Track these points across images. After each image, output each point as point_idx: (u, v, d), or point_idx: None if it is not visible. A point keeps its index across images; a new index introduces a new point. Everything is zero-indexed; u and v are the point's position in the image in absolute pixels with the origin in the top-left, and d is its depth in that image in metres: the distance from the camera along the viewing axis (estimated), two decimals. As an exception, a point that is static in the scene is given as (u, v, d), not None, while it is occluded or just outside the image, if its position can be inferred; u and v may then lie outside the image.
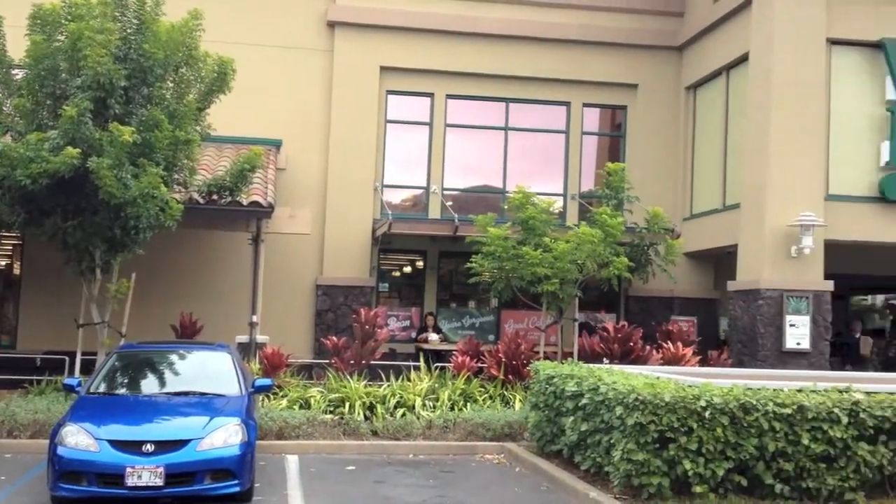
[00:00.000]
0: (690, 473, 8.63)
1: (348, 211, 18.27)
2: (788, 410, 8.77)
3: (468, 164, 19.47)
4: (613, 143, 20.12)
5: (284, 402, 13.36)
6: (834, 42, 15.96)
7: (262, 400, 13.03)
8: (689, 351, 15.37)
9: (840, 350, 18.12)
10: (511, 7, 19.18)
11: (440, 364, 15.38)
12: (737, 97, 17.37)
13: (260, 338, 15.63)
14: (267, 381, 10.88)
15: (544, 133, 19.56)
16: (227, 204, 14.52)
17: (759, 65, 16.26)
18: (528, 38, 19.02)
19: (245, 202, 15.10)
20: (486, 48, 18.95)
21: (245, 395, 10.05)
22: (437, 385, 14.16)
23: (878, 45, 15.88)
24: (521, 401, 13.69)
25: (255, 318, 15.76)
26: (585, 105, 19.59)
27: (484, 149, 19.43)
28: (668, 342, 15.72)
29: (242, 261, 16.99)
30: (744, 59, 16.88)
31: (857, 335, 17.64)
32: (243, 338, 15.63)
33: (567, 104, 19.47)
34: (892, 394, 9.18)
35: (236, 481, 8.80)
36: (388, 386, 13.94)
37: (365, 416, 13.10)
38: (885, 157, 15.77)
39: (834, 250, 15.73)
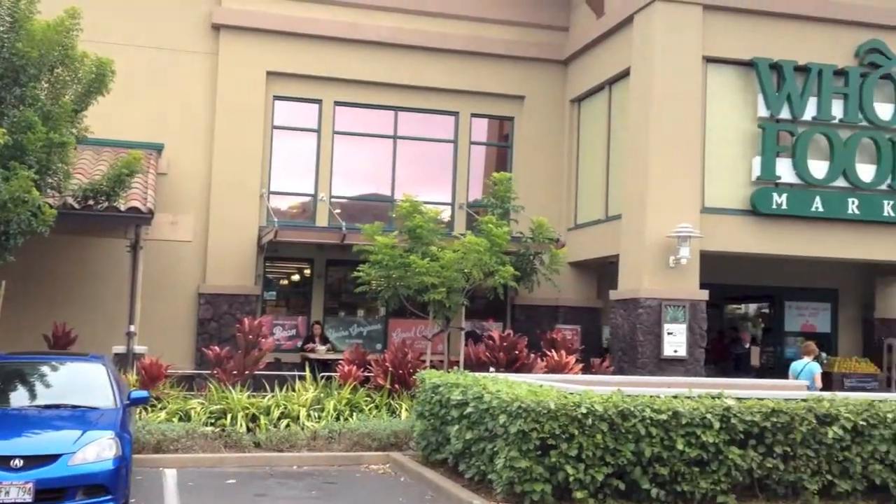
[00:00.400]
0: (571, 479, 8.77)
1: (233, 218, 17.92)
2: (664, 416, 9.01)
3: (357, 172, 19.38)
4: (501, 153, 20.37)
5: (163, 415, 12.98)
6: (710, 60, 16.57)
7: (140, 412, 12.63)
8: (572, 359, 15.65)
9: (732, 359, 18.67)
10: (400, 16, 19.21)
11: (326, 374, 15.24)
12: (619, 111, 17.84)
13: (138, 348, 15.17)
14: (143, 393, 10.55)
15: (433, 142, 19.65)
16: (103, 210, 14.06)
17: (639, 80, 16.75)
18: (417, 47, 19.09)
19: (123, 208, 14.63)
20: (375, 56, 18.92)
21: (120, 407, 9.72)
22: (322, 395, 14.01)
23: (750, 64, 16.57)
24: (407, 410, 13.68)
25: (132, 328, 15.27)
26: (474, 115, 19.78)
27: (373, 157, 19.38)
28: (553, 350, 15.97)
29: (121, 269, 16.45)
30: (625, 74, 17.35)
31: (748, 345, 18.12)
32: (120, 348, 15.14)
33: (456, 114, 19.62)
34: (761, 399, 9.54)
35: (110, 497, 8.50)
36: (273, 396, 13.71)
37: (248, 427, 12.85)
38: (757, 171, 16.45)
39: (709, 261, 16.30)
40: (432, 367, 14.62)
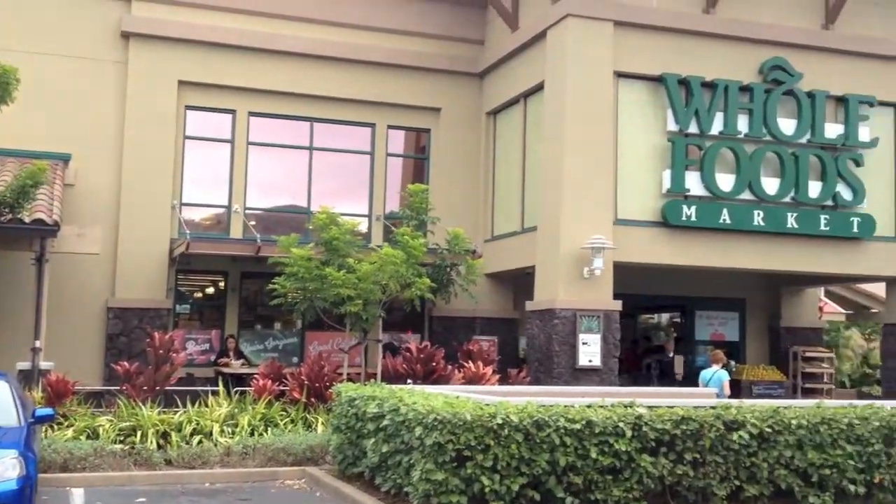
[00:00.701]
0: (487, 490, 8.79)
1: (143, 230, 17.52)
2: (578, 426, 9.11)
3: (272, 184, 19.17)
4: (418, 165, 20.41)
5: (70, 433, 12.58)
6: (621, 75, 16.91)
7: (46, 430, 12.22)
8: (489, 370, 15.71)
9: (646, 368, 18.90)
10: (316, 27, 19.10)
11: (241, 388, 14.99)
12: (534, 124, 18.06)
13: (44, 364, 14.69)
14: (48, 411, 10.22)
15: (350, 154, 19.57)
16: (7, 221, 13.60)
17: (553, 94, 16.99)
18: (332, 58, 19.00)
19: (28, 220, 14.18)
20: (290, 67, 18.76)
21: (24, 425, 9.40)
22: (236, 410, 13.79)
23: (660, 80, 16.96)
24: (323, 424, 13.55)
25: (38, 344, 14.78)
26: (390, 127, 19.78)
27: (288, 168, 19.21)
28: (470, 361, 16.01)
29: (26, 282, 15.92)
30: (540, 87, 17.58)
31: (671, 354, 18.32)
32: (25, 364, 14.64)
33: (372, 126, 19.59)
34: (671, 408, 9.71)
35: (13, 519, 8.19)
36: (185, 412, 13.43)
37: (158, 444, 12.55)
38: (667, 184, 16.82)
39: (623, 271, 16.59)
40: (349, 379, 14.51)
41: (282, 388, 14.88)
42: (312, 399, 14.43)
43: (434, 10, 19.81)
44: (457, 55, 19.91)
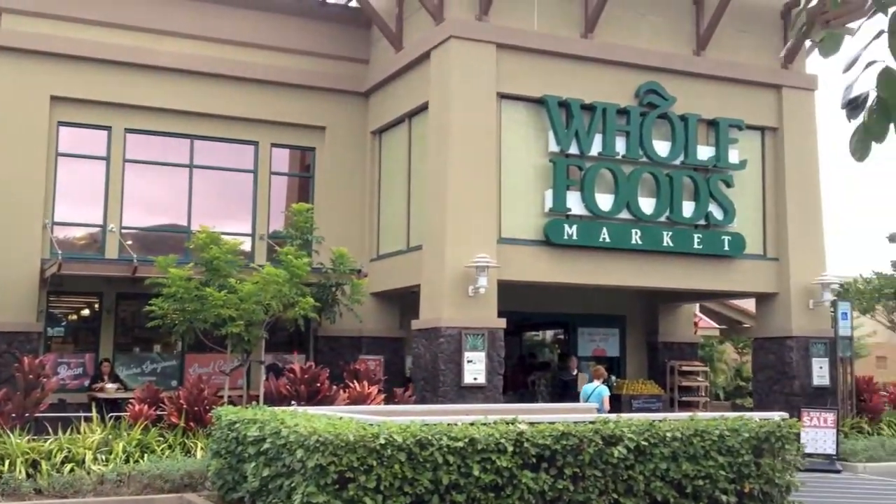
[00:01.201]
0: (370, 512, 8.71)
1: (12, 250, 16.77)
2: (461, 444, 9.13)
3: (150, 202, 18.67)
4: (303, 183, 20.22)
5: (-70, 465, 11.89)
6: (504, 96, 17.19)
7: None
8: (374, 389, 15.63)
9: (540, 385, 18.94)
10: (197, 42, 18.75)
11: (116, 414, 14.48)
12: (419, 144, 18.15)
13: None
14: None
15: (232, 172, 19.23)
16: None
17: (437, 114, 17.13)
18: (213, 74, 18.68)
19: None
20: (169, 82, 18.35)
21: None
22: (111, 436, 13.27)
23: (541, 101, 17.32)
24: (203, 449, 13.18)
25: None
26: (274, 145, 19.55)
27: (167, 186, 18.74)
28: (356, 381, 15.91)
29: None
30: (424, 107, 17.70)
31: (575, 372, 18.30)
32: None
33: (255, 143, 19.31)
34: (552, 423, 9.86)
35: None
36: (56, 440, 12.86)
37: (28, 473, 11.97)
38: (549, 203, 17.15)
39: (508, 290, 16.79)
40: (230, 402, 14.20)
41: (159, 412, 14.43)
42: (191, 423, 14.05)
43: (318, 28, 19.73)
44: (342, 74, 19.86)
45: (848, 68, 3.05)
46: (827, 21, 3.65)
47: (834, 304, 18.88)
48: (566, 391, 18.74)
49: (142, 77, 18.16)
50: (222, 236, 15.67)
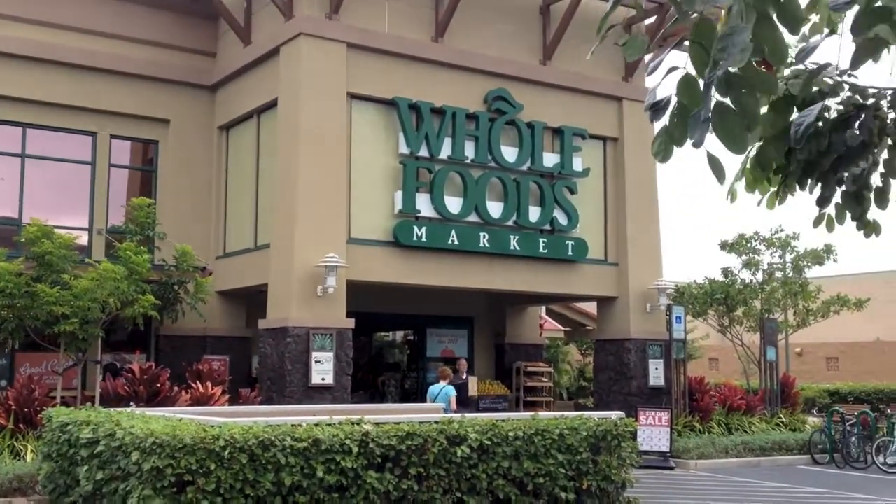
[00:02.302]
0: (208, 514, 8.50)
1: None
2: (304, 444, 9.03)
3: (-23, 193, 17.59)
4: (146, 177, 19.52)
5: None
6: (355, 97, 17.14)
7: None
8: (218, 390, 15.32)
9: (389, 386, 18.60)
10: (28, 27, 17.76)
11: (-65, 417, 13.57)
12: (268, 140, 17.86)
13: None
14: None
15: (68, 163, 18.35)
16: None
17: (286, 112, 16.90)
18: (49, 61, 17.76)
19: None
20: (0, 68, 17.33)
21: None
22: (-71, 441, 12.46)
23: (392, 103, 17.36)
24: (33, 451, 12.57)
25: None
26: (114, 136, 18.77)
27: (-3, 177, 17.69)
28: (199, 382, 15.51)
29: None
30: (274, 104, 17.43)
31: (465, 376, 17.90)
32: None
33: (94, 134, 18.50)
34: (397, 424, 9.89)
35: None
36: None
37: None
38: (399, 205, 17.21)
39: (358, 290, 16.75)
40: (64, 403, 13.58)
41: (-15, 414, 13.64)
42: (21, 425, 13.38)
43: (163, 18, 19.09)
44: (188, 66, 19.30)
45: (651, 72, 3.21)
46: (665, 38, 3.84)
47: (669, 308, 19.79)
48: (460, 397, 17.85)
49: (-29, 60, 17.11)
50: (56, 230, 14.96)
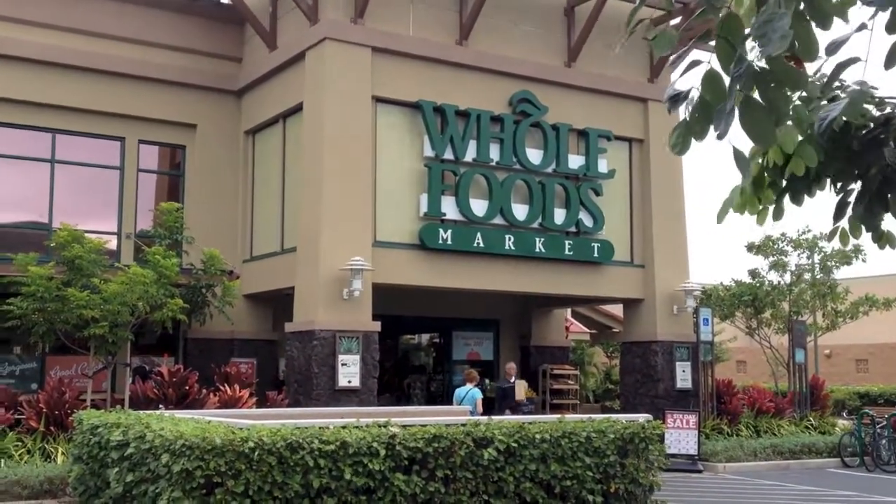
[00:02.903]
0: (237, 516, 8.56)
1: None
2: (332, 447, 9.07)
3: (9, 198, 17.80)
4: (173, 182, 19.69)
5: None
6: (380, 100, 17.18)
7: None
8: (246, 393, 15.41)
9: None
10: (58, 33, 17.95)
11: (-31, 419, 13.75)
12: (293, 145, 17.95)
13: None
14: None
15: (97, 168, 18.55)
16: None
17: (312, 116, 16.98)
18: (77, 67, 17.95)
19: None
20: (30, 74, 17.55)
21: None
22: (-37, 443, 12.64)
23: (417, 106, 17.39)
24: (64, 454, 12.72)
25: None
26: (142, 142, 18.95)
27: (27, 182, 17.92)
28: (226, 385, 15.62)
29: None
30: (299, 108, 17.52)
31: (513, 380, 17.80)
32: None
33: (122, 139, 18.69)
34: (424, 426, 9.91)
35: None
36: None
37: None
38: (424, 208, 17.24)
39: (383, 293, 16.79)
40: (94, 406, 13.76)
41: (17, 416, 13.84)
42: (52, 428, 13.53)
43: (189, 24, 19.26)
44: (214, 71, 19.45)
45: (673, 64, 3.19)
46: (690, 38, 3.82)
47: (696, 310, 19.66)
48: (504, 401, 17.86)
49: (2, 68, 17.31)
50: (86, 234, 15.11)
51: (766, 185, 3.86)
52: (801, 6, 2.91)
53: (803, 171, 3.69)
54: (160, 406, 14.16)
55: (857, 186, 3.80)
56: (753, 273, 22.41)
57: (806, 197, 3.89)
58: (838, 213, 3.89)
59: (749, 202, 3.94)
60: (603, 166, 19.25)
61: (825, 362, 35.87)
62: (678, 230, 20.22)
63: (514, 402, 17.25)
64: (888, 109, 3.69)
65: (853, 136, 3.63)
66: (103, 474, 10.29)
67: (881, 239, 3.96)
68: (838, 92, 3.57)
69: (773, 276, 22.27)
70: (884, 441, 17.89)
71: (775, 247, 22.21)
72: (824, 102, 3.47)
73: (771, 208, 3.98)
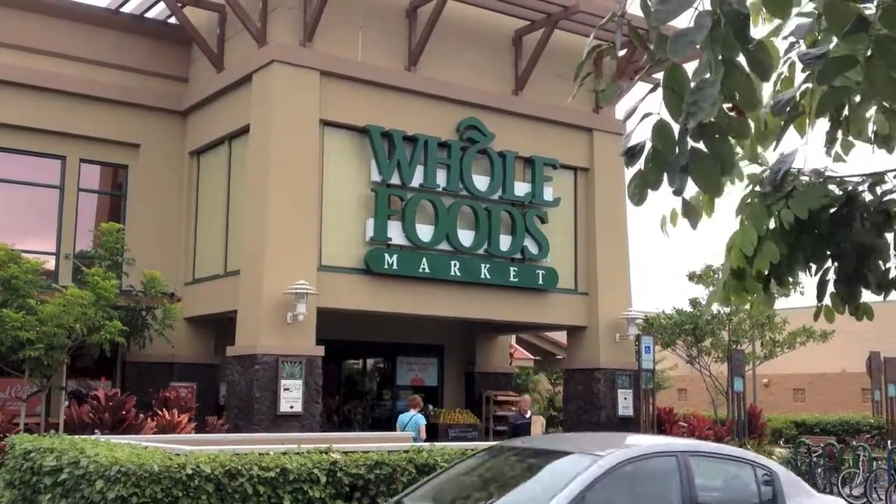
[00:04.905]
0: (174, 545, 8.38)
1: None
2: (272, 474, 8.95)
3: (-58, 216, 17.36)
4: (115, 202, 19.37)
5: None
6: (327, 124, 17.16)
7: None
8: (185, 418, 15.16)
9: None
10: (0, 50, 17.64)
11: None
12: (239, 166, 17.81)
13: None
14: None
15: (36, 187, 18.18)
16: None
17: (258, 138, 16.89)
18: (19, 84, 17.62)
19: None
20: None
21: None
22: None
23: (364, 131, 17.40)
24: (-7, 480, 12.31)
25: None
26: (83, 161, 18.63)
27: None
28: (165, 409, 15.34)
29: None
30: (245, 130, 17.41)
31: (528, 415, 17.37)
32: None
33: (63, 158, 18.35)
34: (366, 452, 9.84)
35: None
36: None
37: None
38: (370, 232, 17.21)
39: (328, 317, 16.67)
40: (27, 430, 13.40)
41: (-55, 441, 13.38)
42: (-18, 454, 13.09)
43: (135, 43, 19.04)
44: (159, 91, 19.24)
45: (627, 118, 3.28)
46: (636, 71, 3.92)
47: (638, 338, 19.87)
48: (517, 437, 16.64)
49: (-62, 82, 16.96)
50: (23, 254, 14.79)
51: (749, 276, 3.95)
52: (742, 59, 3.01)
53: (769, 268, 3.79)
54: (96, 431, 13.85)
55: (831, 265, 3.90)
56: (694, 302, 22.74)
57: (791, 279, 4.00)
58: (820, 293, 3.99)
59: (735, 293, 4.03)
60: (548, 194, 19.41)
61: (763, 391, 36.44)
62: (621, 259, 20.45)
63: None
64: (849, 188, 3.81)
65: (819, 220, 3.74)
66: (36, 500, 10.00)
67: (858, 311, 4.06)
68: (795, 184, 3.71)
69: (714, 306, 22.63)
70: (819, 470, 18.19)
71: (716, 276, 22.57)
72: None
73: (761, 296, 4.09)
